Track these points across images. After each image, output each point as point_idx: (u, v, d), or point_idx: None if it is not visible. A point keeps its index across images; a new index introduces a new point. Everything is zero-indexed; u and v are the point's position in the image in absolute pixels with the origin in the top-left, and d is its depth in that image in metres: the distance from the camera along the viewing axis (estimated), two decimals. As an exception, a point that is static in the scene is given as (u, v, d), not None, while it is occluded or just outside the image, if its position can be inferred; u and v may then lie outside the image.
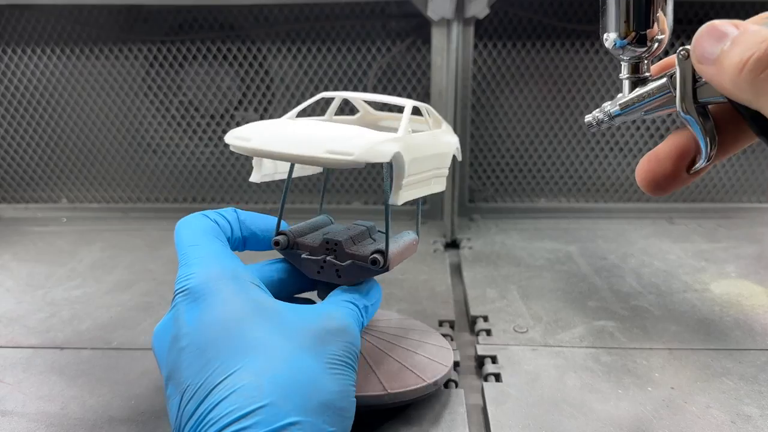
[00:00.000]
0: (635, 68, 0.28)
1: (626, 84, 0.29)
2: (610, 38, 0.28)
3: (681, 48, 0.26)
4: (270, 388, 0.27)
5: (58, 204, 0.81)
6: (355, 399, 0.30)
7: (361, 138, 0.31)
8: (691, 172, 0.27)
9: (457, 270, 0.62)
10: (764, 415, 0.38)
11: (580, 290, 0.56)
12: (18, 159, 0.79)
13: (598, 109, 0.30)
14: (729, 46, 0.23)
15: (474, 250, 0.66)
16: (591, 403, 0.40)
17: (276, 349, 0.28)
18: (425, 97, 0.74)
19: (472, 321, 0.52)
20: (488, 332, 0.49)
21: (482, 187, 0.79)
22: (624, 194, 0.79)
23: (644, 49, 0.27)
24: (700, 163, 0.27)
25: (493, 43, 0.74)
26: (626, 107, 0.29)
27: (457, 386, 0.42)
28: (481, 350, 0.46)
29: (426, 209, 0.77)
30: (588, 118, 0.31)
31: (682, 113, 0.26)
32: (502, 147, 0.78)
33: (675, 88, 0.27)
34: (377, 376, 0.36)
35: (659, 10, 0.27)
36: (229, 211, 0.37)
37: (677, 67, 0.26)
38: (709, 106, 0.26)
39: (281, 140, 0.32)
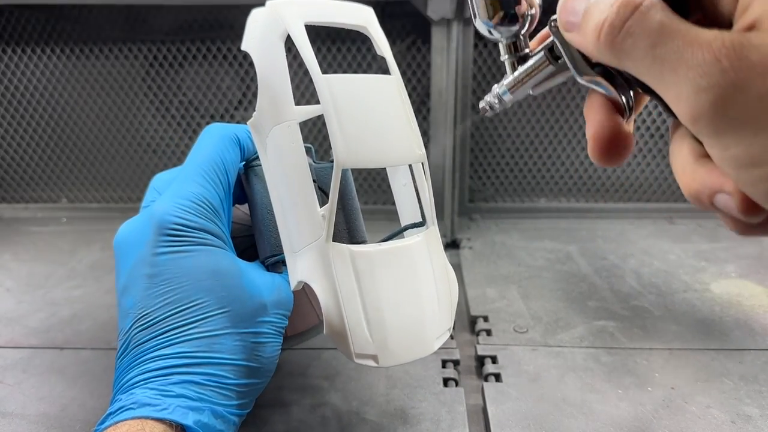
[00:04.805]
0: (513, 47, 0.28)
1: (507, 65, 0.28)
2: (479, 23, 0.27)
3: (551, 18, 0.25)
4: (219, 348, 0.32)
5: (58, 204, 0.81)
6: (277, 361, 0.35)
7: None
8: (627, 122, 0.26)
9: (457, 270, 0.62)
10: (764, 415, 0.38)
11: (580, 290, 0.56)
12: (18, 159, 0.79)
13: (489, 93, 0.30)
14: (586, 13, 0.22)
15: (474, 250, 0.66)
16: (591, 403, 0.40)
17: (231, 313, 0.33)
18: (425, 97, 0.74)
19: (472, 321, 0.52)
20: (488, 332, 0.49)
21: (482, 187, 0.79)
22: (624, 194, 0.79)
23: (517, 27, 0.27)
24: (627, 116, 0.26)
25: (493, 43, 0.74)
26: (512, 87, 0.29)
27: (457, 386, 0.42)
28: (481, 350, 0.46)
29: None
30: (481, 103, 0.30)
31: (580, 80, 0.25)
32: (502, 147, 0.78)
33: (558, 60, 0.26)
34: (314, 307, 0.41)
35: None
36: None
37: (554, 39, 0.25)
38: None
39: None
